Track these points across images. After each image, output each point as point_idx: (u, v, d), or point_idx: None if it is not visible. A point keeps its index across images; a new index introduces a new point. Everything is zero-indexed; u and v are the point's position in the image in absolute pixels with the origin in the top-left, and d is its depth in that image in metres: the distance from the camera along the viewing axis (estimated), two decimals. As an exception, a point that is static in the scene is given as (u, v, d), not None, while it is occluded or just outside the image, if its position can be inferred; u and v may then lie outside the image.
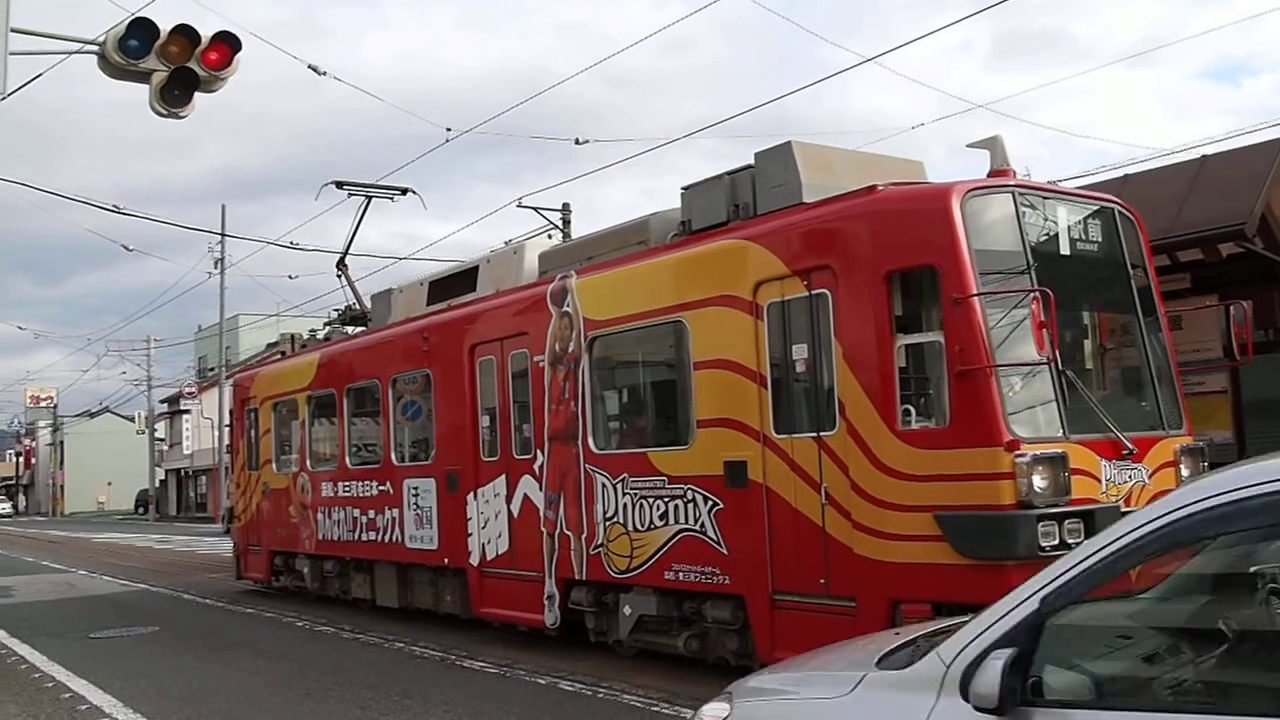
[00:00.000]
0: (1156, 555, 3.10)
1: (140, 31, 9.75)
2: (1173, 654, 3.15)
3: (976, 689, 2.84)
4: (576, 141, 20.94)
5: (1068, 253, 7.74)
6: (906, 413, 7.29)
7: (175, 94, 9.94)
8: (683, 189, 9.71)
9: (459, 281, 12.89)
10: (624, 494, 9.41)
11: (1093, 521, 6.85)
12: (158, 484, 66.99)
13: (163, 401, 67.37)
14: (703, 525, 8.63)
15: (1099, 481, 7.10)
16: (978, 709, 2.85)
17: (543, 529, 10.45)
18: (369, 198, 16.30)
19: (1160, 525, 2.90)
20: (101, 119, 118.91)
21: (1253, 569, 3.16)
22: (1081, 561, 2.99)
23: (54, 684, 10.03)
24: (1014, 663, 2.81)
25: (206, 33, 9.97)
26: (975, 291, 6.98)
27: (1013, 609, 3.00)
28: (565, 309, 10.23)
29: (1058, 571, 3.04)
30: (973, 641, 3.01)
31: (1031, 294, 6.97)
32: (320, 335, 17.45)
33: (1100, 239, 7.95)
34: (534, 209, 25.06)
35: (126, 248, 38.59)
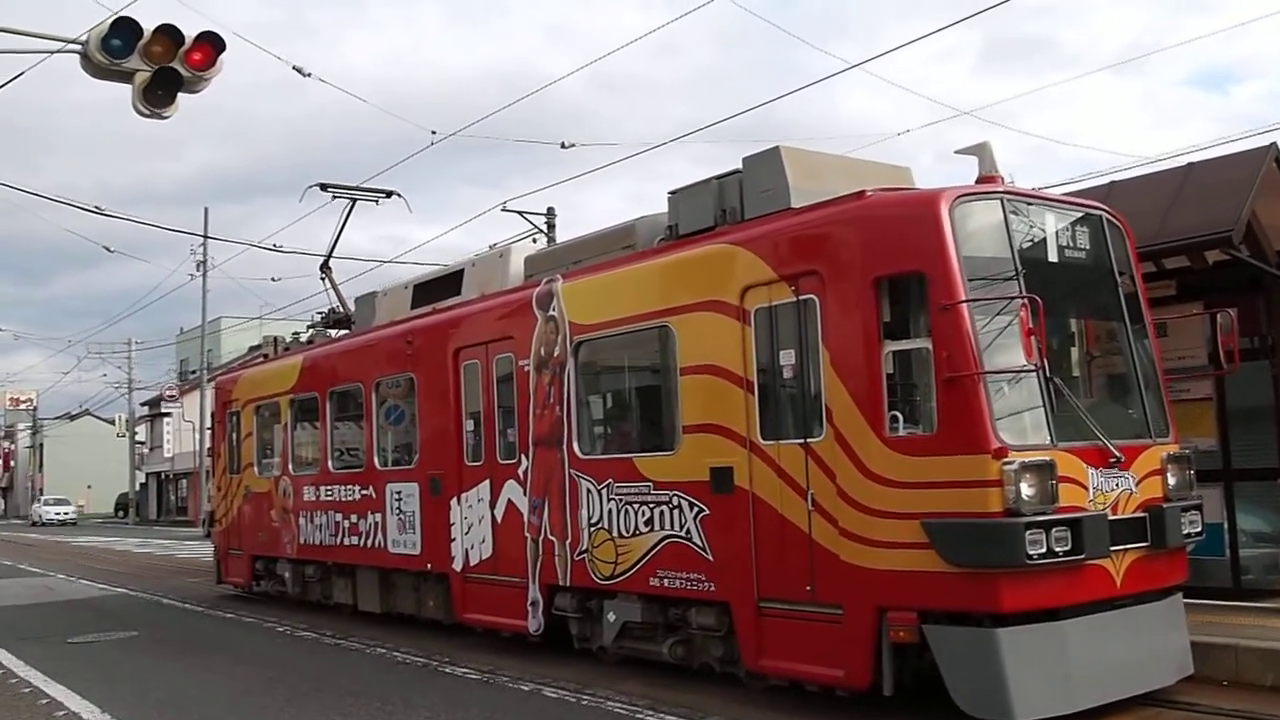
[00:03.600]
0: None
1: (123, 31, 9.68)
2: None
3: None
4: (563, 145, 20.83)
5: (1056, 259, 7.72)
6: (894, 419, 7.24)
7: (158, 94, 9.88)
8: (670, 193, 9.66)
9: (444, 285, 12.82)
10: (609, 500, 9.36)
11: (1080, 529, 6.83)
12: (138, 487, 66.56)
13: (143, 404, 66.99)
14: (688, 531, 8.58)
15: (1086, 489, 7.08)
16: None
17: (527, 534, 10.39)
18: (353, 200, 16.21)
19: None
20: (87, 119, 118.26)
21: None
22: None
23: (31, 689, 9.91)
24: None
25: (190, 33, 9.90)
26: (963, 298, 6.96)
27: None
28: (551, 313, 10.17)
29: None
30: None
31: (1020, 301, 6.95)
32: (303, 338, 17.35)
33: (1088, 246, 7.94)
34: (518, 213, 25.02)
35: (108, 249, 38.63)
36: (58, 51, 10.05)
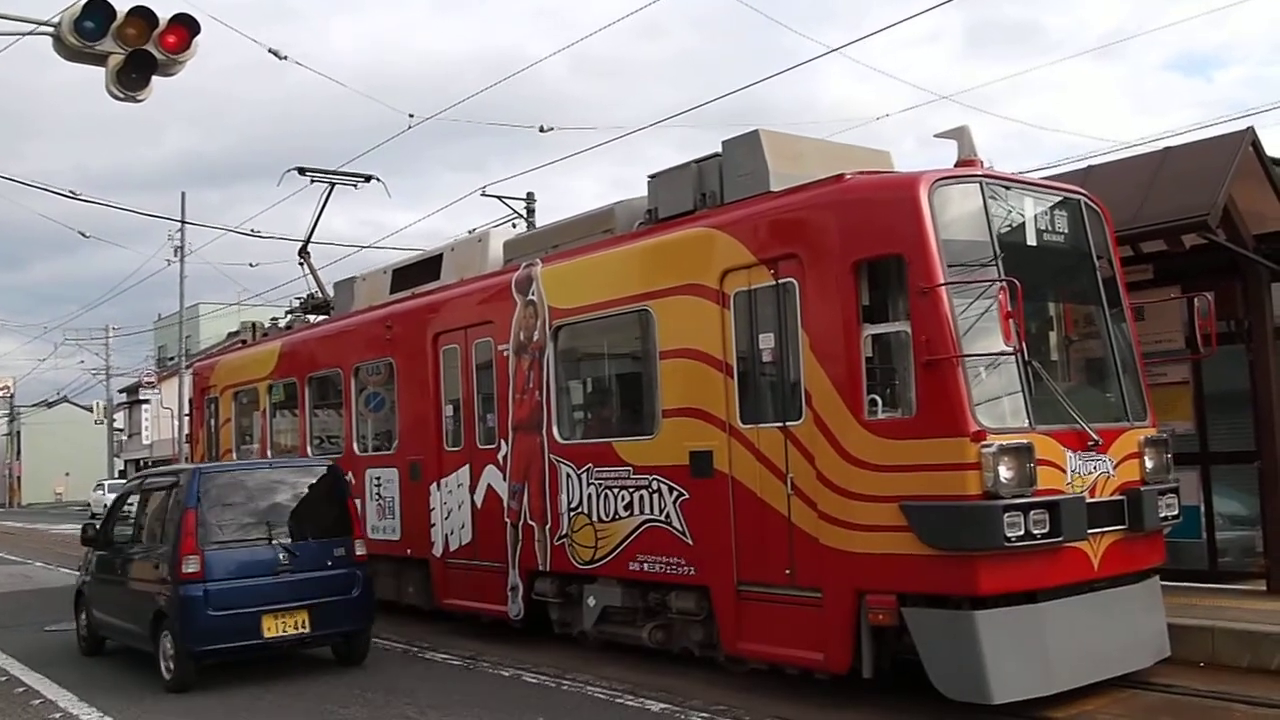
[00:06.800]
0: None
1: (96, 13, 9.54)
2: None
3: None
4: (541, 129, 20.70)
5: (1034, 243, 7.74)
6: (873, 403, 7.25)
7: (132, 77, 9.74)
8: (649, 177, 9.63)
9: (423, 270, 12.76)
10: (589, 484, 9.35)
11: (1058, 512, 6.86)
12: (117, 474, 66.17)
13: (121, 391, 66.55)
14: (668, 516, 8.58)
15: (1064, 472, 7.10)
16: None
17: (506, 520, 10.37)
18: (332, 184, 16.11)
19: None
20: (63, 102, 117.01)
21: None
22: None
23: (7, 678, 9.85)
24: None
25: (165, 15, 9.79)
26: (942, 281, 6.96)
27: None
28: (530, 297, 10.14)
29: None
30: None
31: (999, 284, 6.95)
32: (282, 324, 17.25)
33: (1066, 230, 7.95)
34: (498, 197, 24.89)
35: (83, 234, 37.98)
36: (29, 33, 9.90)
